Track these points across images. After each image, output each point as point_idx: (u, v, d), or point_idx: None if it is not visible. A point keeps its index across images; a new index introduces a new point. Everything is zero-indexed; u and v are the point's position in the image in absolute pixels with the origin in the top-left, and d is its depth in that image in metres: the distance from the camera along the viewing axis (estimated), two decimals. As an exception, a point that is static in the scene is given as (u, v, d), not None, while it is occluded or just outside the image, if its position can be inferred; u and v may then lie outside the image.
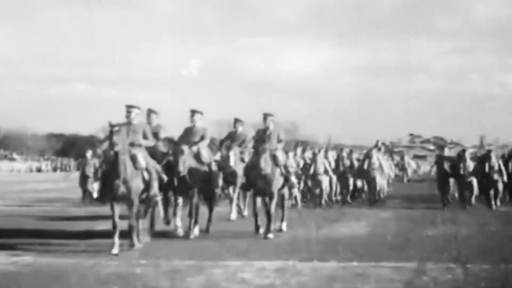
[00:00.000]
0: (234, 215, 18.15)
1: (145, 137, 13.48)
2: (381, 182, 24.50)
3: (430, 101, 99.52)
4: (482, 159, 22.49)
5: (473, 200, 22.14)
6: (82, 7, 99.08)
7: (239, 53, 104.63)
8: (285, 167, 15.23)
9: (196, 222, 14.67)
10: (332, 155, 24.77)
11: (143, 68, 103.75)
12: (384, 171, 25.21)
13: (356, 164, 24.62)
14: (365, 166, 23.57)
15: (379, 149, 26.90)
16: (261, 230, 14.74)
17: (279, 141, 15.47)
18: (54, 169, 76.94)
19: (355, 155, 25.77)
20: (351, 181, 24.55)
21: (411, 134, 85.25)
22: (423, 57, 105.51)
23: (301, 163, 23.34)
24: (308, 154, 24.69)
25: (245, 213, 18.86)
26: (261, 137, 15.47)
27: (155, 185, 13.29)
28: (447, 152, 23.94)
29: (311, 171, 22.98)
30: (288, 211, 16.38)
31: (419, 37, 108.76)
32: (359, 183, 25.22)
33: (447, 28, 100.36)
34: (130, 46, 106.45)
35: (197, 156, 14.71)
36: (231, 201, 18.45)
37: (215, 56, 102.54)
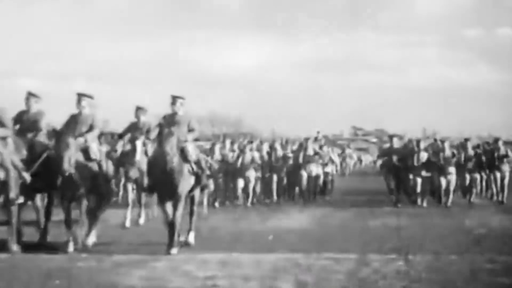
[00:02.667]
0: (142, 220, 15.45)
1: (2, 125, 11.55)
2: (318, 177, 21.91)
3: (373, 94, 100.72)
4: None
5: (449, 198, 19.76)
6: (25, 1, 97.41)
7: (181, 46, 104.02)
8: (197, 163, 12.32)
9: (90, 229, 12.37)
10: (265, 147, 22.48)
11: (86, 61, 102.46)
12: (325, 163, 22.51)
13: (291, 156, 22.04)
14: (300, 159, 21.41)
15: (318, 140, 24.42)
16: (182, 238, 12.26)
17: (190, 130, 12.51)
18: None
19: (291, 147, 23.35)
20: (282, 176, 21.69)
21: (353, 127, 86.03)
22: (365, 51, 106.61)
23: (230, 155, 21.02)
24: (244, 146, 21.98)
25: (141, 220, 15.60)
26: (168, 124, 12.30)
27: (13, 185, 11.38)
28: (396, 143, 21.13)
29: (238, 165, 20.67)
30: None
31: (362, 31, 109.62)
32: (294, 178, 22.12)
33: (389, 22, 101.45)
34: (73, 39, 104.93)
35: (85, 151, 12.02)
36: (129, 204, 15.47)
37: (157, 49, 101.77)
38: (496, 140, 21.31)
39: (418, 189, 19.89)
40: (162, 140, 11.74)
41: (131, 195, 15.72)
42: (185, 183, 11.89)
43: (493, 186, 20.80)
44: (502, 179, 20.54)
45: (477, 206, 19.65)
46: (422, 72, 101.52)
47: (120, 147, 15.45)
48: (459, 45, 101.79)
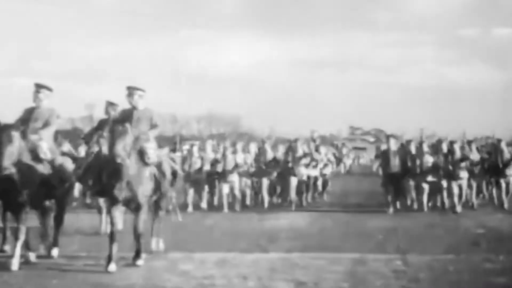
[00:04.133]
0: (103, 228, 13.60)
1: None
2: (311, 175, 20.75)
3: (370, 94, 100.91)
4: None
5: (460, 205, 18.14)
6: (19, 1, 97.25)
7: (177, 45, 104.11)
8: (158, 166, 10.73)
9: (55, 239, 11.12)
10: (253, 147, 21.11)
11: (81, 61, 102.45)
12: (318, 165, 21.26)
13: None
14: (289, 162, 19.80)
15: (314, 140, 23.15)
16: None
17: (152, 126, 10.92)
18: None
19: (283, 148, 21.64)
20: (273, 178, 20.10)
21: (351, 127, 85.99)
22: (362, 50, 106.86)
23: (210, 158, 19.65)
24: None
25: (103, 228, 13.83)
26: (124, 121, 10.47)
27: None
28: (393, 144, 19.10)
29: (220, 168, 19.35)
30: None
31: (358, 30, 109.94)
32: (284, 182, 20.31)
33: (385, 21, 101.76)
34: (70, 39, 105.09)
35: (33, 150, 10.29)
36: (99, 210, 14.09)
37: (154, 49, 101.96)
38: (499, 141, 19.77)
39: (425, 197, 18.40)
40: (114, 138, 9.86)
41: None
42: (144, 188, 10.31)
43: (494, 191, 19.28)
44: (507, 184, 18.99)
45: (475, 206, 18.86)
46: (419, 71, 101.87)
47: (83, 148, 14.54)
48: (455, 44, 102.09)
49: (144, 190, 10.32)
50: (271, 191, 20.30)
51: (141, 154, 10.35)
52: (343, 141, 49.25)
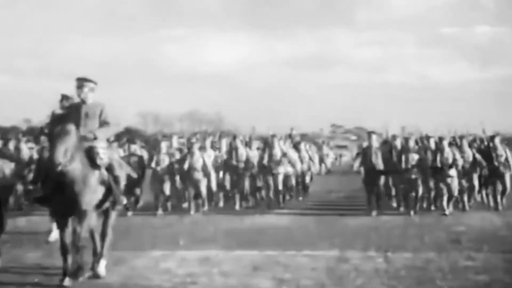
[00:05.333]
0: (53, 236, 12.24)
1: None
2: (289, 177, 19.23)
3: (351, 92, 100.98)
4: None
5: (449, 207, 16.87)
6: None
7: (160, 43, 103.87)
8: (109, 169, 9.25)
9: None
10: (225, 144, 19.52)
11: (64, 59, 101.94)
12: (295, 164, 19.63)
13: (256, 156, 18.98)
14: (265, 160, 18.41)
15: (293, 137, 22.15)
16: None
17: (101, 124, 9.35)
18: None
19: (257, 144, 20.16)
20: (247, 177, 18.64)
21: (332, 125, 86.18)
22: (343, 49, 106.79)
23: (177, 154, 18.22)
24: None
25: (52, 236, 12.54)
26: (68, 118, 9.18)
27: None
28: (375, 141, 17.67)
29: (185, 166, 17.68)
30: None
31: (340, 29, 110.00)
32: (259, 181, 19.20)
33: (367, 20, 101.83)
34: (52, 37, 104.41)
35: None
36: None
37: (137, 47, 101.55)
38: (492, 138, 17.86)
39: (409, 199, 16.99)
40: (53, 142, 8.59)
41: None
42: (90, 195, 8.91)
43: (490, 192, 17.79)
44: (503, 184, 17.40)
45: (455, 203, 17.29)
46: (401, 70, 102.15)
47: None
48: (437, 43, 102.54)
49: (91, 198, 8.93)
50: (242, 191, 18.66)
51: (90, 156, 9.02)
52: (325, 139, 49.21)
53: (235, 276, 9.38)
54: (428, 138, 17.96)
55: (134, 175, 9.87)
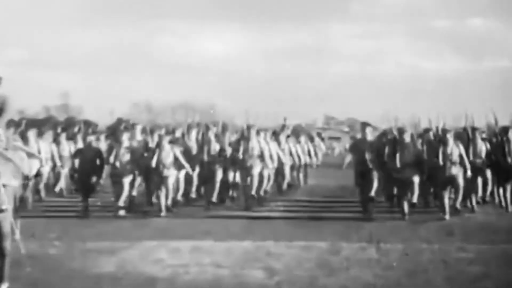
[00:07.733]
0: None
1: None
2: (264, 174, 16.99)
3: (344, 84, 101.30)
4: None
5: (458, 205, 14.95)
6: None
7: (153, 34, 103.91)
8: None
9: None
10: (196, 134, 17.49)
11: (55, 50, 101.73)
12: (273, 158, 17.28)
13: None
14: (240, 153, 16.34)
15: (286, 129, 20.78)
16: None
17: None
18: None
19: (229, 135, 17.89)
20: (219, 172, 16.65)
21: (326, 116, 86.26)
22: (336, 40, 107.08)
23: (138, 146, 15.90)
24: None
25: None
26: None
27: None
28: (370, 134, 15.28)
29: (153, 162, 15.22)
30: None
31: (333, 21, 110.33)
32: (232, 175, 17.28)
33: (360, 12, 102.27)
34: (44, 28, 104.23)
35: None
36: None
37: (129, 37, 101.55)
38: (506, 130, 15.40)
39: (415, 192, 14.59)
40: None
41: None
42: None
43: (501, 190, 15.66)
44: None
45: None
46: (392, 62, 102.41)
47: None
48: (428, 35, 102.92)
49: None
50: (209, 196, 16.54)
51: None
52: (318, 130, 49.15)
53: (227, 266, 9.35)
54: (427, 130, 16.21)
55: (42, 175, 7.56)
